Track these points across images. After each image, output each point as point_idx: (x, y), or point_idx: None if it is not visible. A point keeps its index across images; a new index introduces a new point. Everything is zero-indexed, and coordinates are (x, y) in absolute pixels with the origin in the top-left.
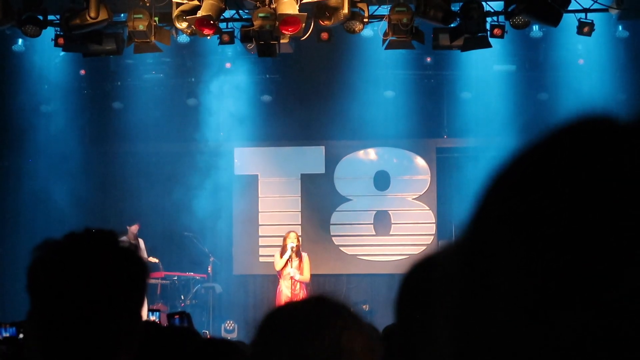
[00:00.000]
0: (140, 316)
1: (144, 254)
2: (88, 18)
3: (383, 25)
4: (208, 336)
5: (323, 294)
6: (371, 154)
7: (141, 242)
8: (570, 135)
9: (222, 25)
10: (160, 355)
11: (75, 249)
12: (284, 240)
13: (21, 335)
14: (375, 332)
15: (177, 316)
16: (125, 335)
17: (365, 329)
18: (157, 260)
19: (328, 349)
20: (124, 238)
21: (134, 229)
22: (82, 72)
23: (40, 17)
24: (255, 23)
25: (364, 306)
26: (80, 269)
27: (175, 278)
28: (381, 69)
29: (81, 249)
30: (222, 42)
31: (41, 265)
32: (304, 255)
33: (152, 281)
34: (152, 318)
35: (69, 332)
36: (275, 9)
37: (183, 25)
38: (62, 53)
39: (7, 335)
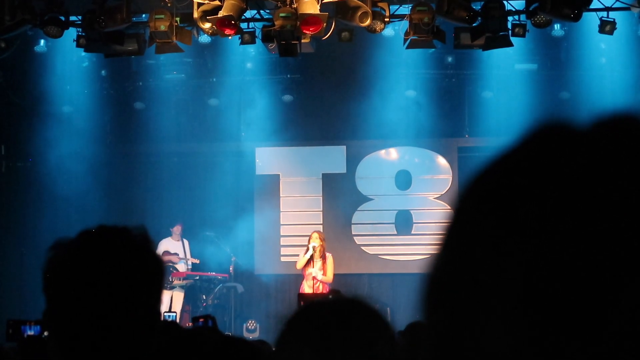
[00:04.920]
0: (158, 312)
1: (188, 255)
2: (117, 19)
3: (404, 24)
4: None
5: (359, 296)
6: (392, 153)
7: (186, 243)
8: (533, 143)
9: (244, 25)
10: (180, 355)
11: (89, 246)
12: (309, 240)
13: (45, 334)
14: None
15: (201, 319)
16: (143, 331)
17: (395, 338)
18: (197, 261)
19: (357, 355)
20: (168, 239)
21: (176, 229)
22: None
23: (62, 18)
24: (276, 23)
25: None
26: (94, 266)
27: (197, 278)
28: (402, 69)
29: (94, 246)
30: (243, 42)
31: (55, 265)
32: (329, 255)
33: (176, 282)
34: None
35: (85, 331)
36: (296, 9)
37: (206, 25)
38: (84, 54)
39: (32, 333)
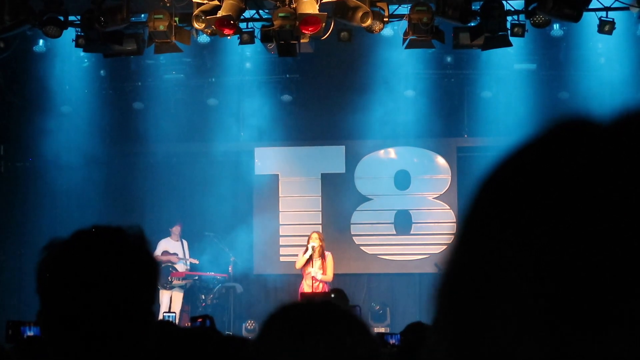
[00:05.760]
0: (152, 312)
1: (187, 255)
2: (117, 19)
3: (403, 24)
4: None
5: (331, 300)
6: (392, 153)
7: (185, 243)
8: (551, 139)
9: (242, 25)
10: (176, 355)
11: (83, 246)
12: (308, 240)
13: None
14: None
15: (199, 319)
16: (137, 331)
17: (371, 336)
18: (196, 262)
19: (329, 352)
20: (167, 239)
21: (175, 230)
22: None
23: (61, 18)
24: (275, 23)
25: (376, 307)
26: (87, 266)
27: (196, 278)
28: (401, 68)
29: (88, 246)
30: (242, 42)
31: (49, 265)
32: (328, 254)
33: (175, 282)
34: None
35: (79, 331)
36: (295, 9)
37: (201, 25)
38: (83, 54)
39: (32, 334)
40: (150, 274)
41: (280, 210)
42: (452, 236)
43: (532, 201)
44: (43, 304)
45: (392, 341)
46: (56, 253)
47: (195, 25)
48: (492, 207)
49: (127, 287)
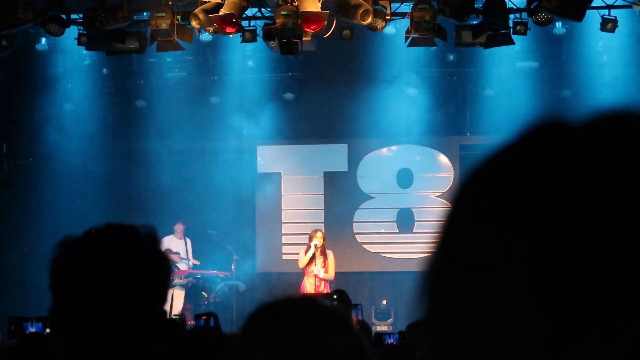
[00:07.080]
0: (163, 311)
1: (190, 255)
2: (119, 17)
3: (405, 22)
4: None
5: (313, 297)
6: (394, 151)
7: (188, 242)
8: (529, 140)
9: (245, 23)
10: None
11: (96, 244)
12: (310, 238)
13: (47, 331)
14: (362, 340)
15: (204, 317)
16: (148, 330)
17: (354, 333)
18: (198, 263)
19: (308, 347)
20: (170, 237)
21: (178, 227)
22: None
23: (64, 16)
24: (277, 21)
25: (383, 302)
26: (100, 264)
27: (199, 276)
28: (404, 67)
29: (101, 244)
30: (244, 40)
31: (62, 262)
32: (329, 253)
33: (177, 280)
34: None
35: (91, 329)
36: (297, 7)
37: (198, 24)
38: (85, 52)
39: (34, 330)
40: (162, 273)
41: (282, 208)
42: (436, 234)
43: (513, 199)
44: (55, 301)
45: (390, 341)
46: (69, 250)
47: (193, 23)
48: (475, 206)
49: (139, 286)
